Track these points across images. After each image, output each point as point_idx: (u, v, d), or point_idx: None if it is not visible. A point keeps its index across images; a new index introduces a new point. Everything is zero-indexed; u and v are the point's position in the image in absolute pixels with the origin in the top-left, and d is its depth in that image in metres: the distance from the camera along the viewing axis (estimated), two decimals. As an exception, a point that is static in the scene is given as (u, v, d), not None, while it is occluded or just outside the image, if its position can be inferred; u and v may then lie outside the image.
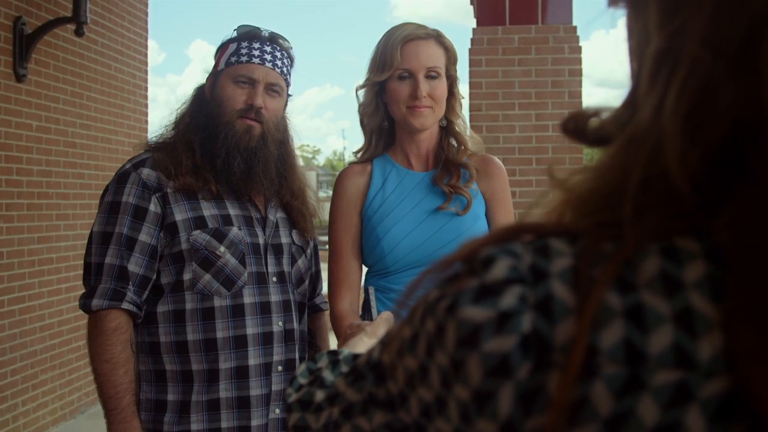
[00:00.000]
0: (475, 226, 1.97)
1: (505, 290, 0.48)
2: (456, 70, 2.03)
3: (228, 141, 1.90)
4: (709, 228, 0.46)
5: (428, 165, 2.05)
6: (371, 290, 1.58)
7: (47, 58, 4.93)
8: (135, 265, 1.84)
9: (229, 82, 1.94)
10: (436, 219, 1.96)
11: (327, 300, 2.29)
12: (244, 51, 1.94)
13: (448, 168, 2.00)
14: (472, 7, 5.20)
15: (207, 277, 1.86)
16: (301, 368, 0.87)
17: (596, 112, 0.54)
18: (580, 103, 4.92)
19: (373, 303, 1.55)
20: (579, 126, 0.55)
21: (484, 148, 2.08)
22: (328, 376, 0.81)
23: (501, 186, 2.06)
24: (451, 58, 2.01)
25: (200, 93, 2.02)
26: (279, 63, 1.97)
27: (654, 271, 0.45)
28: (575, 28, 4.96)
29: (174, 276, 1.87)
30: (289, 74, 2.04)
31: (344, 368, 0.82)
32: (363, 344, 1.21)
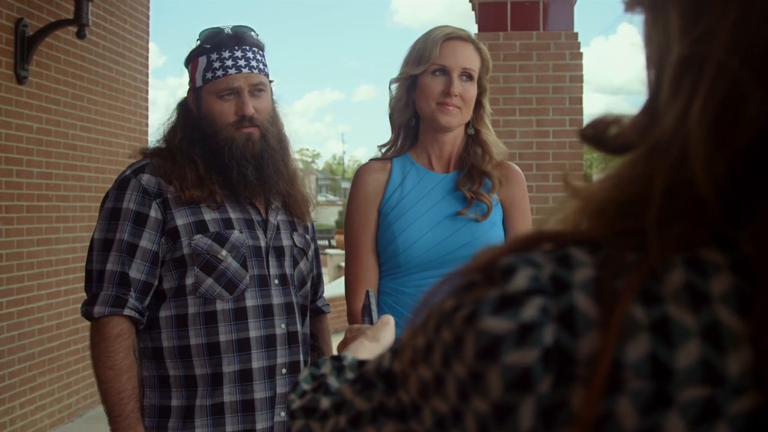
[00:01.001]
0: (490, 232, 1.97)
1: (526, 301, 0.47)
2: (487, 81, 2.05)
3: (234, 154, 1.91)
4: (733, 238, 0.46)
5: (449, 168, 2.05)
6: (371, 293, 1.57)
7: (48, 60, 4.92)
8: (136, 272, 1.84)
9: (213, 98, 1.93)
10: (453, 222, 1.96)
11: (328, 303, 2.28)
12: (216, 65, 1.92)
13: (471, 174, 2.01)
14: (473, 13, 5.20)
15: (209, 281, 1.86)
16: (303, 373, 0.86)
17: (615, 120, 0.53)
18: (581, 109, 4.92)
19: (373, 306, 1.53)
20: (598, 133, 0.54)
21: (507, 155, 2.10)
22: (333, 382, 0.79)
23: (520, 194, 2.06)
24: (485, 67, 2.03)
25: (185, 108, 2.02)
26: (254, 63, 1.96)
27: (679, 283, 0.45)
28: (576, 34, 4.96)
29: (176, 281, 1.87)
30: (266, 65, 2.02)
31: (350, 375, 0.81)
32: (364, 348, 1.19)
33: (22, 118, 4.66)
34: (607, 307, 0.45)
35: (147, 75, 6.45)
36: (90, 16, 4.72)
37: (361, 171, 2.10)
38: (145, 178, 1.89)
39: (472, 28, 5.24)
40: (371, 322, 1.46)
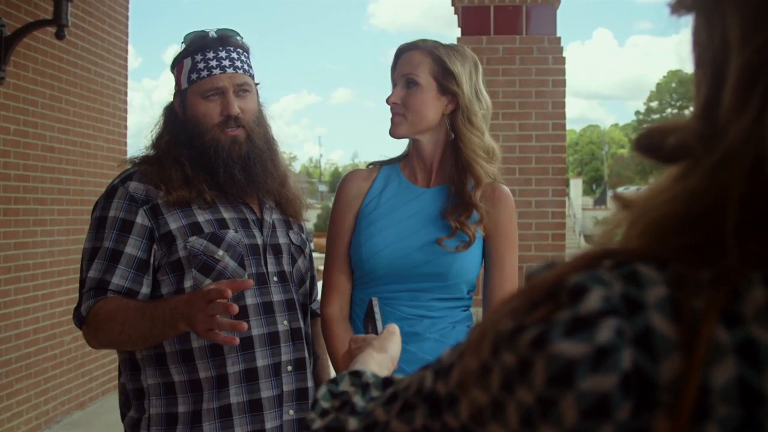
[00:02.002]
0: (454, 254, 1.91)
1: (600, 323, 0.45)
2: (458, 85, 1.92)
3: (220, 155, 1.90)
4: None
5: (431, 180, 2.01)
6: (375, 301, 1.52)
7: (26, 61, 4.85)
8: (120, 278, 1.83)
9: (198, 99, 1.93)
10: (417, 239, 1.93)
11: None
12: (201, 65, 1.92)
13: (459, 205, 1.93)
14: (456, 17, 5.20)
15: (207, 281, 1.84)
16: (321, 391, 0.83)
17: (674, 129, 0.51)
18: (564, 113, 4.94)
19: (377, 315, 1.49)
20: (654, 143, 0.52)
21: (498, 177, 2.00)
22: (358, 401, 0.77)
23: (507, 218, 1.99)
24: (442, 68, 1.92)
25: (171, 113, 2.01)
26: (238, 63, 1.95)
27: (761, 303, 0.43)
28: (559, 39, 4.98)
29: (174, 285, 1.86)
30: (251, 66, 2.02)
31: (375, 393, 0.78)
32: (374, 360, 1.16)
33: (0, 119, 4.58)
34: (688, 328, 0.43)
35: (126, 77, 6.37)
36: (69, 17, 4.65)
37: (346, 178, 2.10)
38: (133, 185, 1.89)
39: (453, 32, 5.24)
40: (375, 332, 1.43)
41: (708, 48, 0.50)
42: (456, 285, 1.95)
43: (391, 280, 1.93)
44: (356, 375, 0.85)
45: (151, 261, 1.87)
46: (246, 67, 1.98)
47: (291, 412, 1.90)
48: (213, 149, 1.90)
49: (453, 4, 5.17)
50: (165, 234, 1.86)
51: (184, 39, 2.00)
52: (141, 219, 1.86)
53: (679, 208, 0.48)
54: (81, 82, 5.60)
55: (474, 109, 1.94)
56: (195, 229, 1.87)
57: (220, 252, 1.87)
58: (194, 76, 1.92)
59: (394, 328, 1.33)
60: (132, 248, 1.84)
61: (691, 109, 0.53)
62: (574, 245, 27.35)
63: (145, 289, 1.86)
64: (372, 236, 1.95)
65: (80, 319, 1.85)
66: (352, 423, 0.72)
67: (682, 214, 0.48)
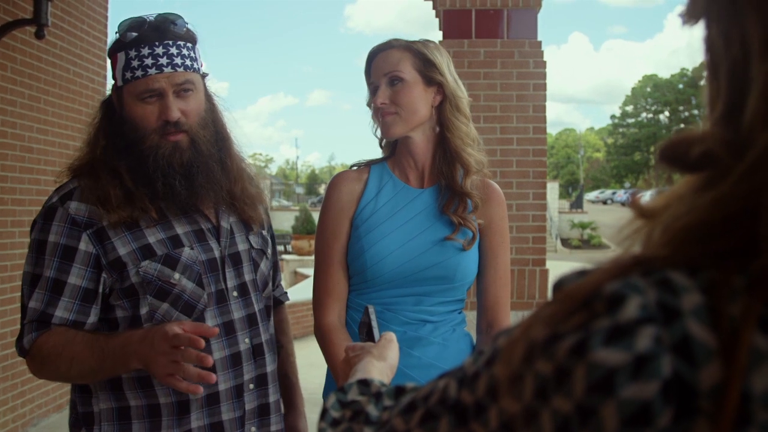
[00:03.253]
0: (462, 252, 1.93)
1: (638, 331, 0.45)
2: (442, 75, 1.93)
3: (159, 163, 1.73)
4: None
5: (424, 180, 2.00)
6: (372, 309, 1.50)
7: (5, 60, 4.80)
8: (64, 311, 1.70)
9: (134, 100, 1.74)
10: (425, 241, 1.92)
11: (286, 292, 2.18)
12: (135, 63, 1.71)
13: (453, 196, 1.94)
14: (436, 20, 5.22)
15: (164, 306, 1.72)
16: (330, 400, 0.82)
17: (700, 139, 0.52)
18: (544, 117, 4.97)
19: (374, 323, 1.46)
20: (679, 153, 0.52)
21: (486, 165, 2.01)
22: (372, 411, 0.76)
23: (499, 214, 2.01)
24: (425, 60, 1.92)
25: (109, 109, 1.82)
26: (178, 60, 1.74)
27: None
28: (540, 43, 5.01)
29: (129, 310, 1.73)
30: (196, 58, 1.80)
31: (388, 402, 0.78)
32: (375, 369, 1.14)
33: (-22, 119, 4.54)
34: (727, 336, 0.43)
35: (105, 77, 6.32)
36: (49, 17, 4.61)
37: (336, 180, 2.04)
38: (74, 206, 1.72)
39: (431, 35, 5.25)
40: (372, 339, 1.40)
41: (725, 55, 0.51)
42: (460, 287, 1.95)
43: (395, 285, 1.91)
44: (364, 384, 0.84)
45: (100, 289, 1.72)
46: (188, 62, 1.77)
47: (253, 429, 1.82)
48: (152, 157, 1.73)
49: (434, 7, 5.19)
50: (114, 260, 1.71)
51: (118, 27, 1.77)
52: (84, 245, 1.70)
53: (708, 214, 0.48)
54: (60, 82, 5.55)
55: (459, 95, 1.95)
56: (146, 252, 1.72)
57: (176, 275, 1.73)
58: (128, 75, 1.73)
59: (392, 336, 1.30)
60: (75, 278, 1.69)
61: (705, 116, 0.53)
62: (552, 248, 27.42)
63: (92, 319, 1.72)
64: (375, 242, 1.91)
65: (23, 351, 1.71)
66: None
67: (712, 221, 0.48)
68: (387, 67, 1.93)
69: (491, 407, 0.53)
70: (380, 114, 1.94)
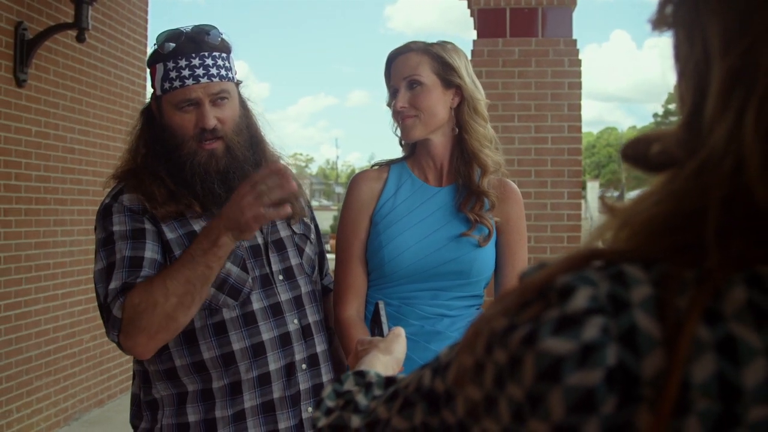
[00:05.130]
0: (478, 248, 1.96)
1: (586, 321, 0.46)
2: (461, 77, 1.96)
3: (196, 170, 1.82)
4: None
5: (442, 180, 2.03)
6: (381, 304, 1.53)
7: (47, 64, 4.92)
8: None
9: (173, 109, 1.83)
10: (442, 237, 1.95)
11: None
12: (173, 74, 1.80)
13: (470, 194, 1.98)
14: (471, 19, 5.22)
15: (212, 290, 1.78)
16: (327, 390, 0.85)
17: (657, 138, 0.53)
18: (580, 116, 4.94)
19: (383, 318, 1.50)
20: (639, 152, 0.54)
21: (503, 164, 2.04)
22: (362, 400, 0.78)
23: (516, 213, 2.04)
24: (443, 63, 1.96)
25: (149, 116, 1.92)
26: (214, 70, 1.83)
27: (741, 302, 0.45)
28: (575, 41, 4.98)
29: None
30: (230, 68, 1.89)
31: (377, 392, 0.80)
32: (380, 362, 1.17)
33: (21, 121, 4.65)
34: (672, 326, 0.45)
35: (145, 79, 6.43)
36: (90, 20, 4.72)
37: (357, 178, 2.10)
38: (126, 198, 1.81)
39: (469, 35, 5.25)
40: (381, 334, 1.44)
41: (689, 60, 0.52)
42: (476, 282, 1.98)
43: (413, 280, 1.94)
44: (360, 375, 0.86)
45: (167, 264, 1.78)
46: (223, 72, 1.86)
47: (309, 409, 1.88)
48: (189, 163, 1.82)
49: (469, 6, 5.19)
50: (163, 244, 1.80)
51: (156, 40, 1.87)
52: (149, 225, 1.79)
53: (664, 210, 0.50)
54: (101, 85, 5.66)
55: (477, 97, 1.99)
56: (192, 237, 1.78)
57: None
58: (167, 85, 1.82)
59: (400, 331, 1.33)
60: (150, 252, 1.76)
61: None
62: (591, 248, 27.04)
63: None
64: (393, 238, 1.96)
65: (116, 325, 1.68)
66: (355, 421, 0.74)
67: (667, 216, 0.49)
68: (406, 71, 1.96)
69: (458, 395, 0.55)
70: (400, 117, 1.98)
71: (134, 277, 1.71)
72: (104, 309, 1.73)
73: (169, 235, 1.80)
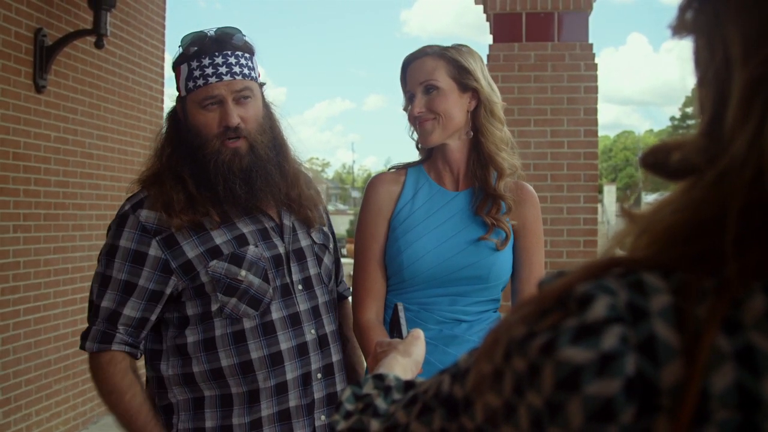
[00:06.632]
0: (497, 252, 1.95)
1: (605, 330, 0.46)
2: (477, 81, 1.96)
3: (219, 168, 1.83)
4: None
5: (458, 184, 2.03)
6: (401, 306, 1.53)
7: (66, 70, 4.96)
8: (132, 309, 1.82)
9: (197, 108, 1.85)
10: (461, 242, 1.95)
11: (349, 288, 2.21)
12: (197, 73, 1.83)
13: (486, 198, 1.98)
14: (488, 24, 5.21)
15: (233, 300, 1.82)
16: (345, 393, 0.85)
17: (677, 146, 0.53)
18: (596, 120, 4.92)
19: (402, 320, 1.50)
20: (659, 160, 0.54)
21: (520, 167, 2.04)
22: (381, 404, 0.78)
23: (533, 216, 2.04)
24: (459, 67, 1.95)
25: (175, 118, 1.94)
26: (237, 69, 1.85)
27: (760, 311, 0.44)
28: (591, 45, 4.96)
29: (200, 307, 1.84)
30: (253, 68, 1.91)
31: (396, 396, 0.80)
32: (398, 364, 1.17)
33: (41, 126, 4.70)
34: (691, 336, 0.44)
35: (163, 84, 6.48)
36: (108, 27, 4.76)
37: (374, 181, 2.09)
38: (144, 214, 1.83)
39: (485, 39, 5.25)
40: (400, 336, 1.43)
41: (710, 66, 0.51)
42: (494, 287, 1.98)
43: (431, 285, 1.94)
44: (379, 378, 0.86)
45: (167, 291, 1.84)
46: (246, 71, 1.87)
47: (323, 417, 1.89)
48: (213, 161, 1.83)
49: (485, 11, 5.18)
50: (184, 263, 1.82)
51: (181, 42, 1.90)
52: (154, 251, 1.82)
53: (683, 218, 0.49)
54: (119, 90, 5.71)
55: (494, 100, 1.98)
56: (214, 252, 1.83)
57: (243, 272, 1.83)
58: (191, 84, 1.84)
59: (419, 333, 1.33)
60: (144, 280, 1.82)
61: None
62: (608, 252, 26.87)
63: (153, 317, 1.85)
64: (411, 243, 1.95)
65: (85, 349, 1.86)
66: (374, 425, 0.74)
67: (686, 225, 0.49)
68: (422, 76, 1.96)
69: (477, 401, 0.55)
70: (418, 122, 1.97)
71: (122, 307, 1.82)
72: (90, 311, 1.86)
73: (190, 254, 1.82)
